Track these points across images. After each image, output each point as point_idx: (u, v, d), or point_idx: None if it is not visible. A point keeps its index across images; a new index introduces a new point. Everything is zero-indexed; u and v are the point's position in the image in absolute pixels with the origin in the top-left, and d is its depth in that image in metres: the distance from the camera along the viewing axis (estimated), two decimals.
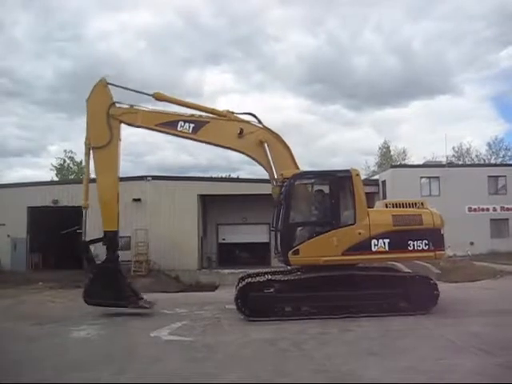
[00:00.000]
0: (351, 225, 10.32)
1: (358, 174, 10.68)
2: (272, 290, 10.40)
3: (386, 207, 11.04)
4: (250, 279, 10.71)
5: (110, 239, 11.11)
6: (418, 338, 8.08)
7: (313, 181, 11.01)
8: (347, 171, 10.81)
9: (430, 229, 10.43)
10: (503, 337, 7.91)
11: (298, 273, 11.01)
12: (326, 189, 10.78)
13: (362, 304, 10.11)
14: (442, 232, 10.60)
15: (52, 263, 29.57)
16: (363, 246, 10.22)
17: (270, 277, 10.68)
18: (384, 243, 10.26)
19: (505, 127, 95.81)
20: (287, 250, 10.34)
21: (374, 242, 10.24)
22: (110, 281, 10.73)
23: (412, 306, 10.11)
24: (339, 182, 10.60)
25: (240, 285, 10.65)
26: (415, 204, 10.95)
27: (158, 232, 28.67)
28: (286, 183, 10.61)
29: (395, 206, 10.96)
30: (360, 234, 10.21)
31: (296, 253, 10.27)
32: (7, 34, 76.54)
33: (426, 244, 10.37)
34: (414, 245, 10.34)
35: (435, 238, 10.47)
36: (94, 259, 11.33)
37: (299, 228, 10.75)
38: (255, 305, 10.15)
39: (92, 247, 11.61)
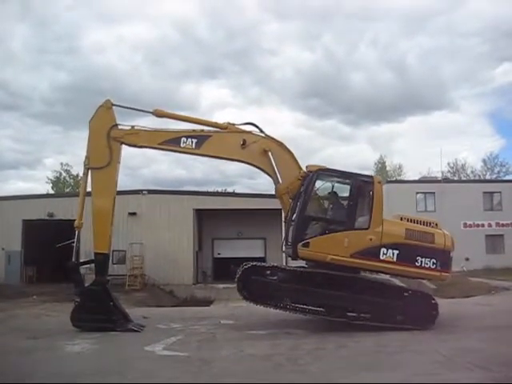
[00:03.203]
0: (365, 229, 10.35)
1: (379, 182, 10.77)
2: (275, 277, 10.48)
3: (401, 220, 11.06)
4: (255, 263, 10.80)
5: (100, 262, 11.02)
6: (413, 354, 8.05)
7: (335, 179, 11.08)
8: (370, 177, 11.11)
9: (440, 249, 10.46)
10: (499, 352, 7.88)
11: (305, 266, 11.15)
12: (346, 189, 10.89)
13: (360, 309, 10.15)
14: (451, 255, 10.65)
15: (47, 276, 29.37)
16: (372, 253, 10.23)
17: (275, 264, 10.90)
18: (393, 254, 10.27)
19: (500, 143, 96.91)
20: (298, 241, 10.37)
21: (383, 250, 10.25)
22: (97, 304, 10.59)
23: (409, 321, 10.09)
24: (361, 185, 10.65)
25: (245, 266, 10.64)
26: (429, 223, 10.99)
27: (154, 246, 28.63)
28: (309, 176, 10.73)
29: (410, 220, 10.96)
30: (371, 239, 10.22)
31: (306, 245, 10.28)
32: (3, 45, 77.04)
33: (433, 263, 10.36)
34: (421, 261, 10.33)
35: (444, 259, 10.49)
36: (82, 281, 11.23)
37: (313, 222, 10.79)
38: (255, 289, 10.30)
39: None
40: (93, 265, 11.29)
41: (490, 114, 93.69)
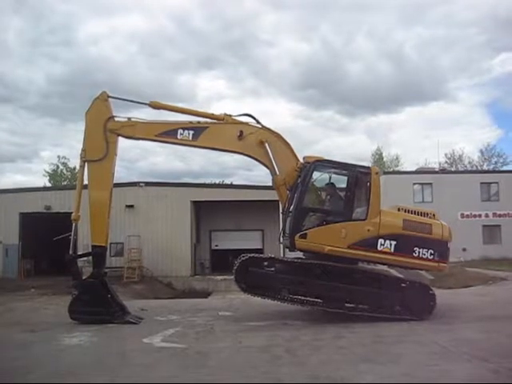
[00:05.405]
0: (362, 220, 10.36)
1: (377, 173, 10.76)
2: (273, 269, 10.50)
3: (399, 211, 11.05)
4: (253, 254, 10.83)
5: (98, 254, 11.00)
6: (411, 345, 8.06)
7: (332, 170, 11.07)
8: (368, 168, 11.08)
9: (437, 240, 10.48)
10: (496, 343, 7.92)
11: (303, 257, 11.19)
12: (343, 180, 10.88)
13: (357, 300, 10.19)
14: (448, 245, 10.66)
15: (44, 269, 29.39)
16: (369, 244, 10.25)
17: (272, 255, 10.98)
18: (390, 244, 10.29)
19: (498, 133, 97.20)
20: (295, 232, 10.39)
21: (380, 241, 10.27)
22: (94, 296, 10.58)
23: (407, 312, 10.15)
24: (358, 176, 10.65)
25: (243, 258, 10.65)
26: (427, 214, 10.99)
27: (151, 238, 28.66)
28: (306, 167, 10.73)
29: (407, 211, 10.98)
30: (369, 230, 10.24)
31: (303, 237, 10.31)
32: None
33: (431, 254, 10.40)
34: (419, 252, 10.37)
35: (441, 249, 10.53)
36: (80, 274, 11.21)
37: (311, 213, 10.79)
38: (253, 280, 10.33)
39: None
40: (90, 257, 11.29)
41: (487, 104, 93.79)
